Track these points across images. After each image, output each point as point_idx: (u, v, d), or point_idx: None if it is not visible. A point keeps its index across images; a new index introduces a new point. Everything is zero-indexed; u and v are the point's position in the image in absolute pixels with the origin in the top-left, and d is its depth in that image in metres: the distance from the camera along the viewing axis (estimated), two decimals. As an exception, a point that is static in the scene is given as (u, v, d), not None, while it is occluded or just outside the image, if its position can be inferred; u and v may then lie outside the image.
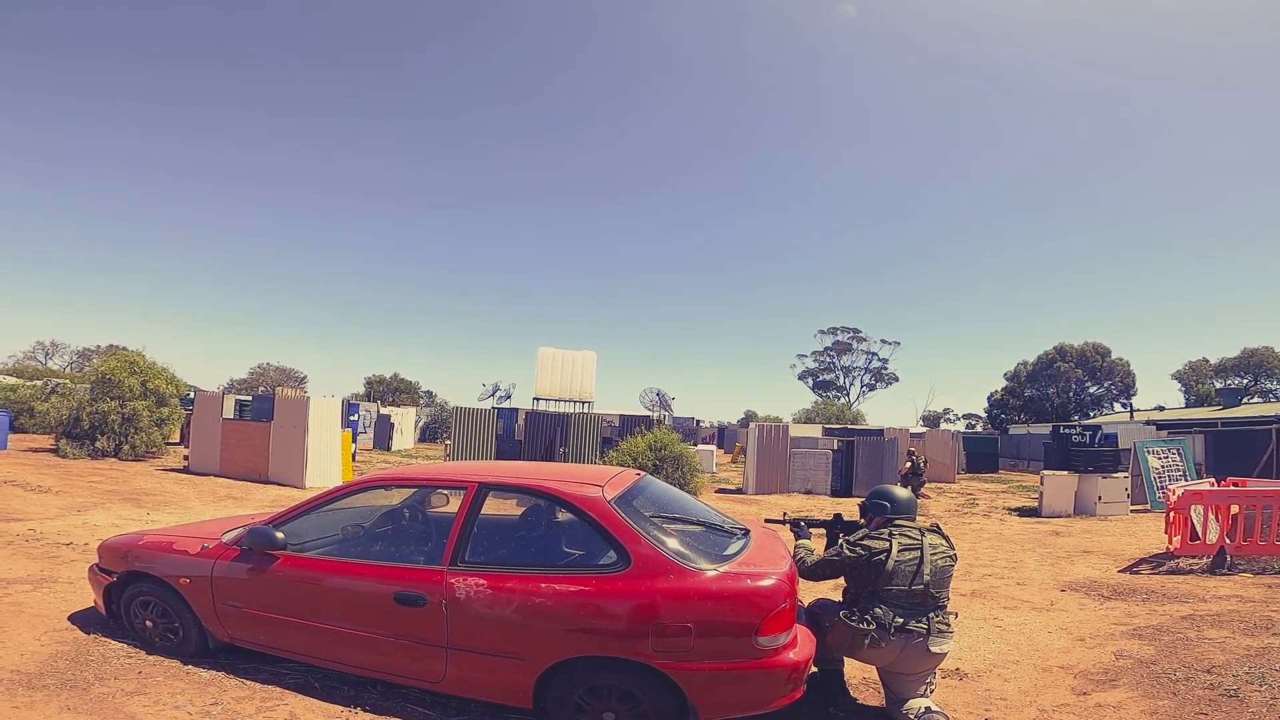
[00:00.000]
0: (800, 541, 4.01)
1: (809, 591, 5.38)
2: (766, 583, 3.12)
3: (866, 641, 3.35)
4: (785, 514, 4.44)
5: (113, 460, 14.23)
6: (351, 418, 19.27)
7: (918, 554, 3.43)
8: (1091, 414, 46.55)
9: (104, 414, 14.50)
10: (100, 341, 50.91)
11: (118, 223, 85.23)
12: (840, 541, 3.71)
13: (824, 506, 14.05)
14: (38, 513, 8.08)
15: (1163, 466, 14.37)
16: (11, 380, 22.47)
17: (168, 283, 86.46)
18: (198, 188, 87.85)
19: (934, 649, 3.33)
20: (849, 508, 13.24)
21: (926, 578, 3.39)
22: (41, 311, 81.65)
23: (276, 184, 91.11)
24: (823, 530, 4.27)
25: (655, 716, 3.06)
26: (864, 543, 3.51)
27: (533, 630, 3.14)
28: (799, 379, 60.30)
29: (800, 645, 3.21)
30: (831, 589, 4.87)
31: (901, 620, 3.33)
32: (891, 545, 3.43)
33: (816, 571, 3.70)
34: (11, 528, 7.03)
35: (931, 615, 3.38)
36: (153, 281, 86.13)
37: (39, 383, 21.78)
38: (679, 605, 3.02)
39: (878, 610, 3.36)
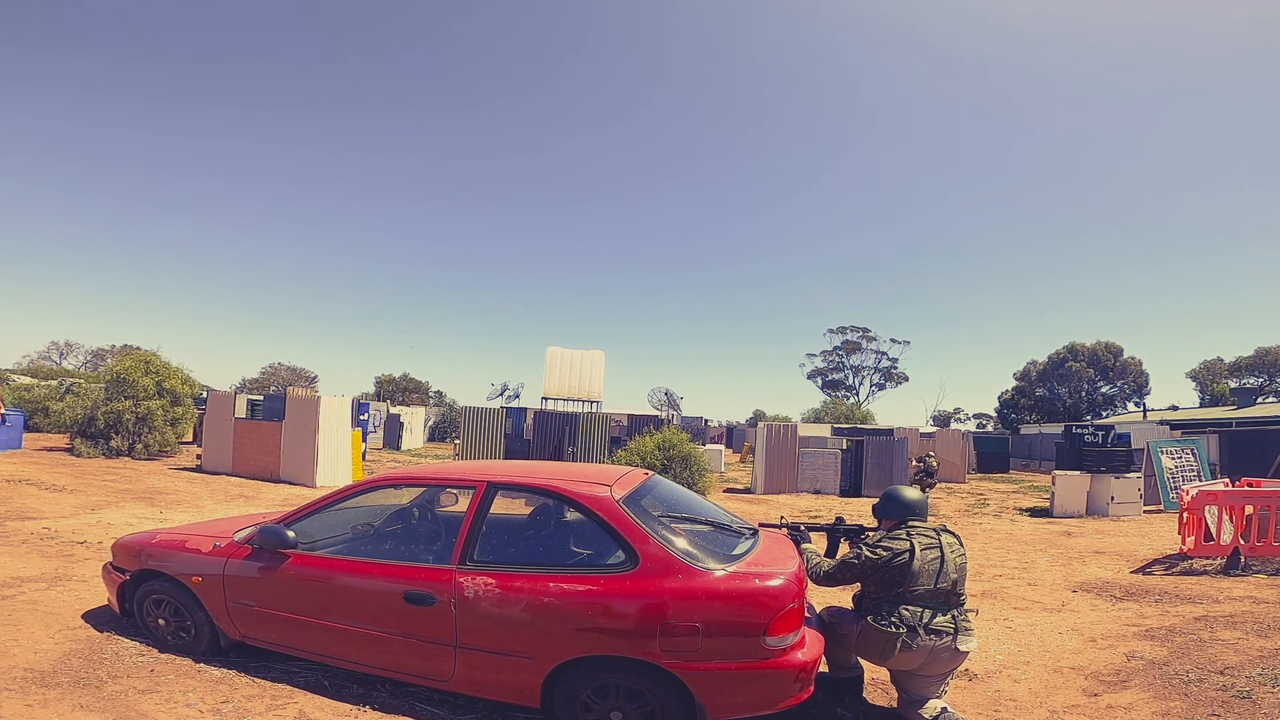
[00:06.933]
0: (805, 546, 3.94)
1: (819, 599, 5.36)
2: (775, 583, 3.11)
3: (898, 645, 3.28)
4: (782, 518, 4.39)
5: (127, 459, 14.38)
6: (361, 417, 19.35)
7: (939, 552, 3.40)
8: (1104, 414, 46.15)
9: (118, 413, 14.65)
10: (114, 341, 51.49)
11: (131, 223, 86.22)
12: (860, 544, 3.64)
13: (833, 507, 14.00)
14: (52, 511, 8.17)
15: (1176, 467, 14.22)
16: (26, 380, 22.75)
17: (181, 282, 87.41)
18: (209, 187, 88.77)
19: (961, 647, 3.30)
20: (858, 508, 13.26)
21: (952, 575, 3.37)
22: (56, 312, 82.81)
23: (287, 183, 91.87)
24: (822, 534, 4.24)
25: (663, 716, 3.06)
26: (885, 544, 3.46)
27: (541, 629, 3.15)
28: (808, 378, 60.12)
29: (809, 646, 3.20)
30: (837, 594, 4.85)
31: (928, 619, 3.29)
32: (913, 545, 3.40)
33: (836, 576, 3.62)
34: (26, 526, 7.12)
35: (955, 613, 3.36)
36: (166, 281, 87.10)
37: (54, 382, 22.03)
38: (687, 605, 3.02)
39: (904, 611, 3.32)
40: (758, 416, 52.52)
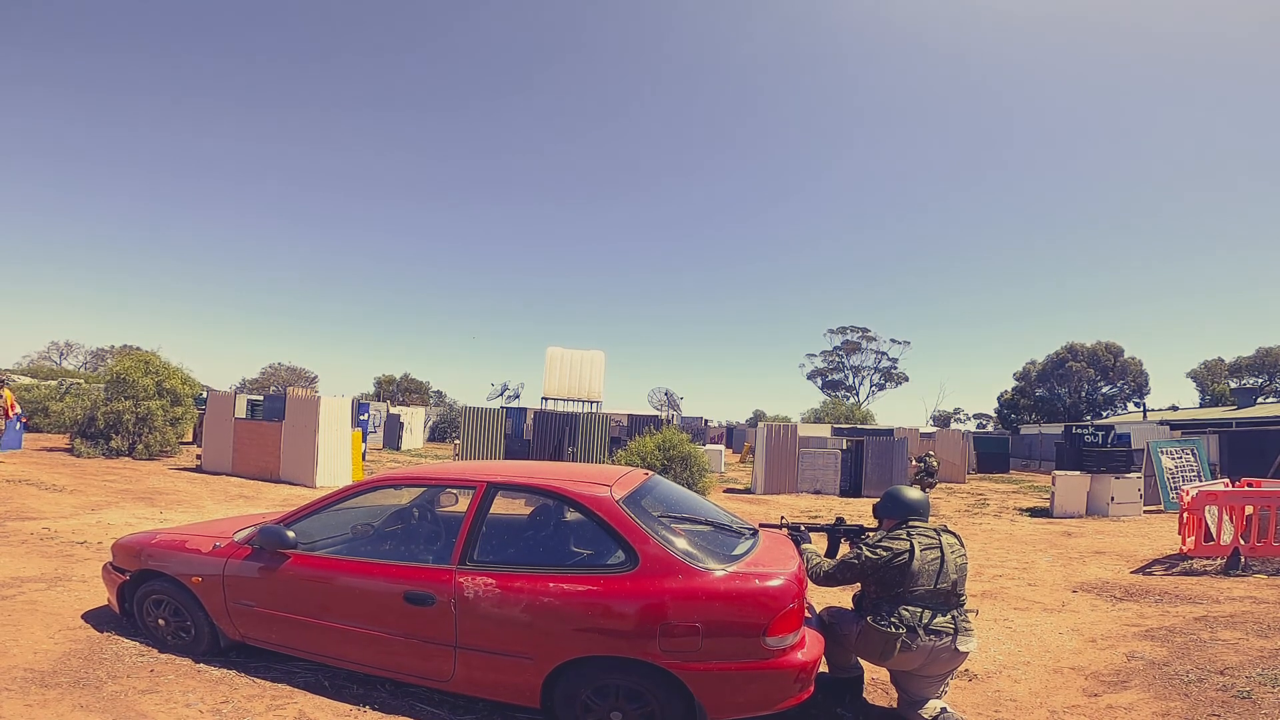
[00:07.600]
0: (805, 547, 3.94)
1: (819, 599, 5.36)
2: (775, 583, 3.11)
3: (898, 646, 3.28)
4: (783, 518, 4.40)
5: (127, 459, 14.37)
6: (361, 417, 19.31)
7: (939, 553, 3.40)
8: (1104, 414, 46.15)
9: (118, 413, 14.64)
10: (114, 341, 51.49)
11: (131, 223, 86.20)
12: (860, 544, 3.64)
13: (833, 507, 14.00)
14: (52, 511, 8.17)
15: (1176, 467, 14.21)
16: (26, 380, 22.70)
17: (181, 282, 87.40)
18: (209, 187, 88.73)
19: (961, 648, 3.30)
20: (858, 508, 13.25)
21: (952, 575, 3.37)
22: (56, 311, 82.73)
23: (287, 183, 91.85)
24: (822, 534, 4.24)
25: (663, 716, 3.06)
26: (885, 544, 3.46)
27: (541, 630, 3.15)
28: (808, 379, 60.12)
29: (809, 646, 3.20)
30: (837, 594, 4.85)
31: (928, 619, 3.29)
32: (913, 545, 3.39)
33: (836, 576, 3.62)
34: (26, 526, 7.11)
35: (955, 614, 3.36)
36: (166, 281, 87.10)
37: (54, 382, 22.00)
38: (687, 605, 3.02)
39: (904, 612, 3.31)
40: (758, 416, 52.54)
